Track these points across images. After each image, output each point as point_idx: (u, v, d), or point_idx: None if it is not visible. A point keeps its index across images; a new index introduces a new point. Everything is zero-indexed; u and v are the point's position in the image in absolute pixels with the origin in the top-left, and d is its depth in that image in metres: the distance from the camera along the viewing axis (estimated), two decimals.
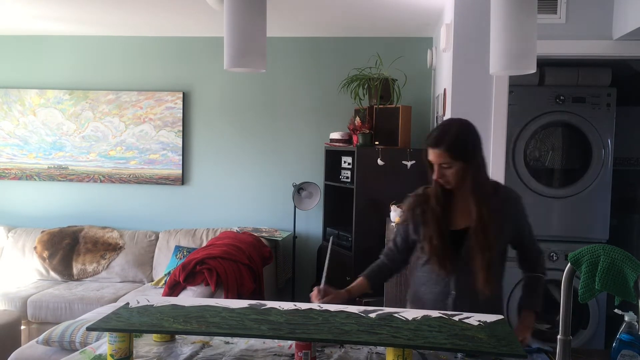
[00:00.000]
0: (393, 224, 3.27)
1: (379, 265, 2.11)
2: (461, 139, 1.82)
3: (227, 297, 3.37)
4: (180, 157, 4.71)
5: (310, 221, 4.65)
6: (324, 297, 1.93)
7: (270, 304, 1.73)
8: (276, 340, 1.68)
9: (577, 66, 3.53)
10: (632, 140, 3.87)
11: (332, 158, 4.29)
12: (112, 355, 1.49)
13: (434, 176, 1.85)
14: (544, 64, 3.48)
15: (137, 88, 4.73)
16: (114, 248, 4.46)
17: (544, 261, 2.07)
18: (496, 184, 1.98)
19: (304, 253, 4.64)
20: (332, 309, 1.69)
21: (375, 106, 3.97)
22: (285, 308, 1.69)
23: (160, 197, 4.78)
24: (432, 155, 1.83)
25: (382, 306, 2.26)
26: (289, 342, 1.65)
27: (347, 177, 4.07)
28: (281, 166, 4.66)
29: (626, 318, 1.49)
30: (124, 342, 1.50)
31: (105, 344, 1.60)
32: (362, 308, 1.70)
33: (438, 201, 1.90)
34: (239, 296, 3.45)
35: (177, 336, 1.71)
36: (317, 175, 4.49)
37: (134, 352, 1.55)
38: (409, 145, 3.97)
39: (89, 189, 4.83)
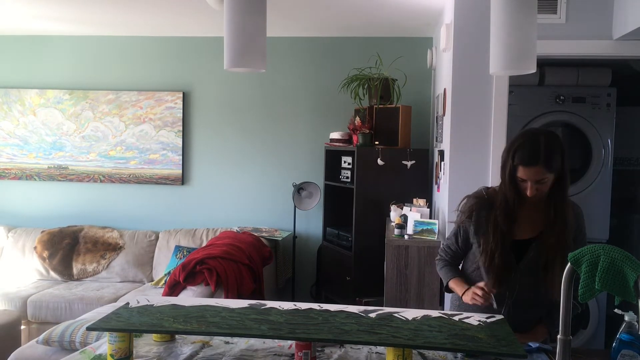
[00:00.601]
0: (393, 224, 3.27)
1: (452, 265, 2.05)
2: (554, 151, 1.76)
3: (227, 297, 3.37)
4: (180, 157, 4.71)
5: (310, 221, 4.65)
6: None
7: (270, 304, 1.73)
8: (276, 340, 1.68)
9: (577, 66, 3.53)
10: (632, 140, 3.87)
11: (332, 158, 4.30)
12: (112, 355, 1.49)
13: (528, 193, 1.77)
14: (544, 64, 3.48)
15: (137, 88, 4.73)
16: (114, 248, 4.46)
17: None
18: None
19: (304, 253, 4.64)
20: (332, 309, 1.69)
21: (375, 106, 3.97)
22: (285, 308, 1.69)
23: (160, 197, 4.78)
24: (527, 173, 1.75)
25: (382, 306, 2.26)
26: (289, 342, 1.65)
27: (347, 177, 4.07)
28: (281, 166, 4.66)
29: (626, 318, 1.49)
30: (124, 342, 1.50)
31: (105, 344, 1.60)
32: (362, 308, 1.70)
33: (507, 213, 1.84)
34: (239, 296, 3.45)
35: (177, 336, 1.71)
36: (317, 175, 4.49)
37: (134, 352, 1.55)
38: (409, 145, 3.97)
39: (89, 189, 4.83)
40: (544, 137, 1.78)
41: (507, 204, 1.84)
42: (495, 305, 1.81)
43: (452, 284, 1.98)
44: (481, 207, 1.90)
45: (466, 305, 1.93)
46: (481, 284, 1.84)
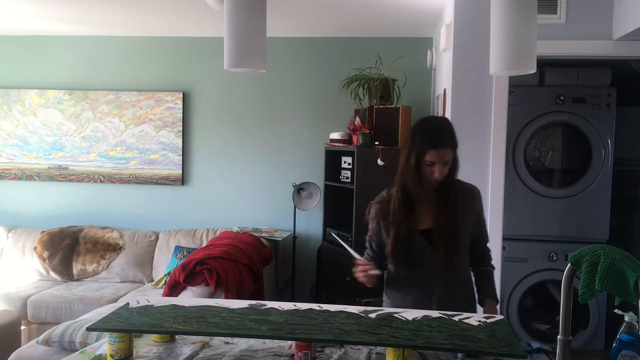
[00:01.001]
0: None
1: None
2: (454, 133, 1.91)
3: (227, 297, 3.37)
4: (180, 157, 4.71)
5: (310, 221, 4.65)
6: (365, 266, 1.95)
7: (270, 304, 1.73)
8: (276, 341, 1.67)
9: (577, 66, 3.53)
10: (632, 140, 3.87)
11: (332, 158, 4.29)
12: (112, 356, 1.49)
13: (437, 175, 1.87)
14: (544, 64, 3.48)
15: (137, 88, 4.73)
16: (114, 248, 4.46)
17: (491, 257, 2.15)
18: (457, 180, 2.03)
19: (304, 253, 4.64)
20: (332, 309, 1.69)
21: (375, 106, 3.97)
22: (285, 308, 1.69)
23: (160, 197, 4.78)
24: (436, 155, 1.85)
25: (382, 306, 2.26)
26: (289, 342, 1.65)
27: (347, 177, 4.07)
28: (281, 166, 4.66)
29: (626, 318, 1.49)
30: (124, 342, 1.50)
31: (105, 344, 1.60)
32: (362, 308, 1.70)
33: (402, 200, 1.94)
34: (239, 296, 3.45)
35: (177, 336, 1.71)
36: (317, 176, 4.49)
37: (134, 352, 1.55)
38: None
39: (89, 189, 4.83)
40: (442, 120, 1.97)
41: (405, 193, 1.94)
42: (377, 272, 1.92)
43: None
44: (385, 209, 2.01)
45: (392, 299, 2.06)
46: (358, 260, 1.97)
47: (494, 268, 2.13)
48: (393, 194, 2.00)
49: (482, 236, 2.09)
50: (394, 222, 1.95)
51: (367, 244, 2.12)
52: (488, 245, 2.14)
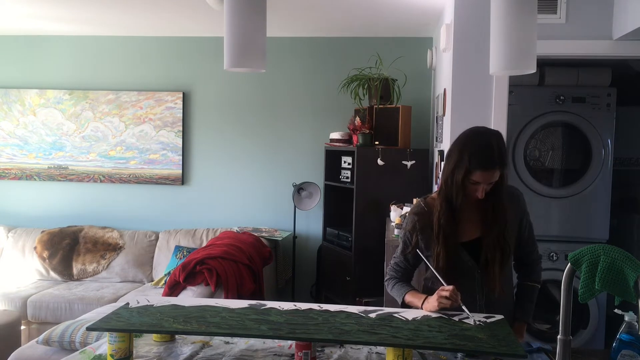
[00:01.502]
0: (393, 224, 3.27)
1: (403, 282, 1.99)
2: (505, 152, 1.78)
3: (227, 297, 3.37)
4: (180, 157, 4.71)
5: (310, 221, 4.65)
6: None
7: (270, 304, 1.73)
8: (276, 340, 1.67)
9: (577, 66, 3.53)
10: (632, 140, 3.87)
11: (332, 158, 4.30)
12: (112, 355, 1.49)
13: (479, 195, 1.78)
14: (544, 64, 3.48)
15: (137, 88, 4.73)
16: (114, 248, 4.46)
17: (541, 268, 2.04)
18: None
19: (304, 253, 4.64)
20: (332, 309, 1.69)
21: (375, 106, 3.97)
22: (285, 308, 1.69)
23: (160, 197, 4.78)
24: (483, 176, 1.75)
25: (382, 306, 2.26)
26: (289, 342, 1.65)
27: (347, 177, 4.07)
28: (281, 166, 4.66)
29: (626, 318, 1.49)
30: (124, 342, 1.50)
31: (105, 344, 1.60)
32: (362, 308, 1.70)
33: (448, 214, 1.84)
34: (239, 296, 3.45)
35: (177, 336, 1.71)
36: (317, 175, 4.49)
37: (134, 352, 1.55)
38: (409, 145, 3.97)
39: (89, 189, 4.83)
40: (495, 137, 1.79)
41: (449, 206, 1.83)
42: (465, 308, 1.70)
43: (409, 297, 1.90)
44: (424, 221, 1.90)
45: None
46: (448, 287, 1.73)
47: (539, 284, 2.01)
48: (434, 205, 1.88)
49: (529, 241, 1.97)
50: (441, 236, 1.83)
51: (399, 256, 1.99)
52: (539, 253, 2.03)
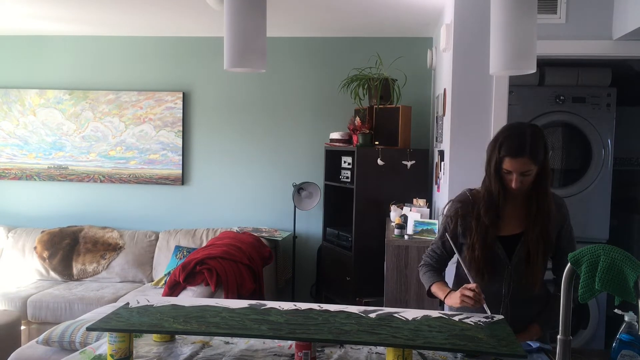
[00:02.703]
0: (393, 224, 3.27)
1: (435, 271, 2.02)
2: (539, 144, 1.79)
3: (227, 297, 3.37)
4: (180, 157, 4.71)
5: (310, 221, 4.65)
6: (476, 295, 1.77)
7: (270, 304, 1.73)
8: (276, 340, 1.67)
9: (577, 66, 3.53)
10: (632, 140, 3.87)
11: (332, 158, 4.30)
12: (112, 355, 1.49)
13: (513, 185, 1.79)
14: (544, 64, 3.48)
15: (137, 88, 4.73)
16: (114, 248, 4.46)
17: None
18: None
19: (304, 253, 4.64)
20: (332, 309, 1.69)
21: (375, 106, 3.97)
22: (285, 308, 1.69)
23: (160, 197, 4.78)
24: (513, 164, 1.77)
25: (382, 306, 2.26)
26: (289, 342, 1.65)
27: (347, 177, 4.07)
28: (281, 166, 4.66)
29: (626, 318, 1.49)
30: (124, 342, 1.50)
31: (105, 344, 1.60)
32: (362, 308, 1.70)
33: (489, 206, 1.85)
34: (239, 296, 3.45)
35: (177, 336, 1.70)
36: (317, 175, 4.49)
37: (134, 352, 1.55)
38: (409, 145, 3.97)
39: (89, 189, 4.83)
40: (529, 129, 1.81)
41: (490, 197, 1.86)
42: (487, 308, 1.71)
43: (435, 288, 1.95)
44: (466, 209, 1.92)
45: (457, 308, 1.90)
46: (472, 285, 1.76)
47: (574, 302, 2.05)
48: (478, 196, 1.91)
49: (567, 248, 1.90)
50: (480, 226, 1.85)
51: (437, 241, 2.02)
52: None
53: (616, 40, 2.87)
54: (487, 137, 2.98)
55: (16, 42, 4.78)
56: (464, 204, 1.93)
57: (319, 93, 4.59)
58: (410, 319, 1.61)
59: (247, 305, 1.71)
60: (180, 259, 4.18)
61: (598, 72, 3.53)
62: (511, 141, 1.78)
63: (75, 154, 4.79)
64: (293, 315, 1.62)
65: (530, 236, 1.85)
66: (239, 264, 3.63)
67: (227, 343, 1.69)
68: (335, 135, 4.21)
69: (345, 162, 4.13)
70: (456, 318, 1.64)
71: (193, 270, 3.44)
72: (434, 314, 1.68)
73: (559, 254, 1.94)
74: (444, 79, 3.40)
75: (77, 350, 2.29)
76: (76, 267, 4.39)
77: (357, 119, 4.03)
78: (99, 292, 4.05)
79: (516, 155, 1.76)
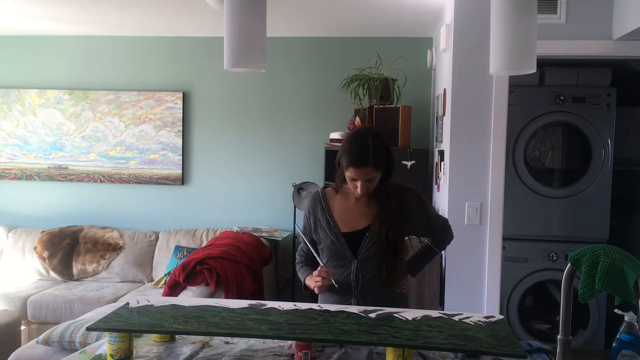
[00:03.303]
0: None
1: (307, 266, 2.14)
2: (381, 152, 1.89)
3: (227, 297, 3.38)
4: (180, 157, 4.71)
5: None
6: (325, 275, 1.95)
7: (270, 304, 1.73)
8: (276, 340, 1.67)
9: (577, 66, 3.53)
10: (632, 140, 3.87)
11: (332, 158, 4.27)
12: (112, 355, 1.49)
13: (359, 191, 1.90)
14: (544, 64, 3.48)
15: (137, 88, 4.73)
16: (114, 248, 4.46)
17: (451, 238, 2.17)
18: (394, 182, 2.03)
19: None
20: (332, 309, 1.69)
21: (375, 106, 3.96)
22: (285, 308, 1.69)
23: (160, 197, 4.78)
24: (357, 173, 1.88)
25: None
26: (289, 342, 1.65)
27: None
28: (281, 166, 4.66)
29: (626, 318, 1.50)
30: (124, 342, 1.50)
31: (105, 344, 1.60)
32: (362, 308, 1.70)
33: (334, 205, 2.02)
34: (239, 296, 3.45)
35: (177, 336, 1.71)
36: (317, 175, 4.49)
37: (134, 352, 1.55)
38: (409, 145, 3.97)
39: (89, 189, 4.83)
40: (371, 138, 1.90)
41: (339, 194, 2.03)
42: (334, 283, 1.92)
43: (308, 281, 2.06)
44: (316, 206, 2.05)
45: (322, 296, 2.05)
46: (322, 268, 1.95)
47: (438, 253, 2.20)
48: (328, 192, 2.06)
49: (431, 231, 2.10)
50: (325, 222, 2.00)
51: (303, 240, 2.13)
52: (449, 232, 2.15)
53: (616, 40, 2.87)
54: (487, 137, 2.99)
55: (16, 42, 4.78)
56: (314, 201, 2.07)
57: (319, 93, 4.59)
58: (410, 319, 1.61)
59: (247, 305, 1.71)
60: (180, 259, 4.18)
61: (598, 72, 3.53)
62: (354, 152, 1.88)
63: (75, 154, 4.79)
64: (293, 315, 1.62)
65: (375, 231, 1.95)
66: (239, 264, 3.63)
67: (227, 343, 1.69)
68: (335, 135, 4.20)
69: None
70: (456, 318, 1.64)
71: (193, 270, 3.44)
72: (434, 314, 1.68)
73: (424, 236, 2.12)
74: (444, 79, 3.40)
75: (77, 350, 2.29)
76: (76, 267, 4.39)
77: (357, 119, 4.02)
78: (99, 292, 4.06)
79: (359, 166, 1.87)
